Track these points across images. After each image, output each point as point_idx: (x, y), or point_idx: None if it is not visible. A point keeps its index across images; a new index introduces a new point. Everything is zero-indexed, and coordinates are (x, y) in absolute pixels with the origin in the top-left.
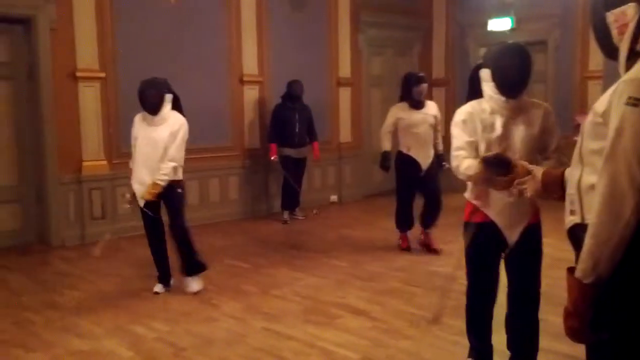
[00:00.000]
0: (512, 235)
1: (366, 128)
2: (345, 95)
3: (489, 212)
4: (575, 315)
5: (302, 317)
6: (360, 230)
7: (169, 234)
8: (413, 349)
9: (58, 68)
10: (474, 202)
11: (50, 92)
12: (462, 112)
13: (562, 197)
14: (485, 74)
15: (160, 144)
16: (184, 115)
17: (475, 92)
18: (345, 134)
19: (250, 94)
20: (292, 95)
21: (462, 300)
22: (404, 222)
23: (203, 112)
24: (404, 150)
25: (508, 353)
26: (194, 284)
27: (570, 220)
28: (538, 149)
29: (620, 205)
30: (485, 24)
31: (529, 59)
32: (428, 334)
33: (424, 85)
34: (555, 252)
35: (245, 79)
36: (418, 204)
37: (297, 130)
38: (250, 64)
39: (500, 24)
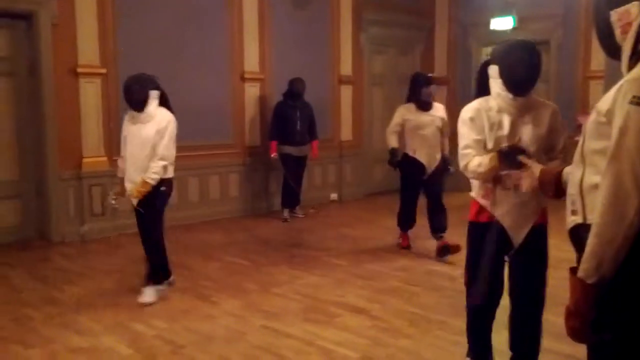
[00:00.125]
0: (518, 236)
1: (367, 126)
2: (346, 94)
3: (495, 212)
4: (577, 315)
5: (301, 315)
6: (360, 229)
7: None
8: (413, 348)
9: (59, 64)
10: (481, 201)
11: (51, 88)
12: (469, 110)
13: (554, 195)
14: (493, 70)
15: (147, 142)
16: (172, 112)
17: (483, 89)
18: (346, 132)
19: (252, 91)
20: (294, 93)
21: (461, 299)
22: (405, 221)
23: (204, 109)
24: (410, 153)
25: (509, 353)
26: (148, 294)
27: (572, 220)
28: (545, 149)
29: (624, 205)
30: (488, 24)
31: (538, 56)
32: (428, 333)
33: (433, 87)
34: (557, 252)
35: (246, 76)
36: (420, 204)
37: (298, 128)
38: (251, 61)
39: (502, 24)
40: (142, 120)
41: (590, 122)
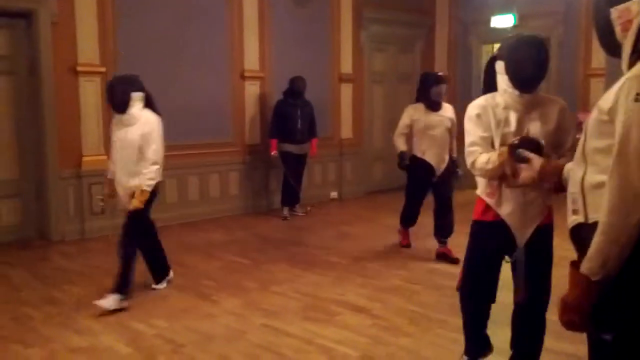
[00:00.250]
0: (522, 236)
1: (367, 125)
2: (346, 92)
3: (500, 211)
4: (576, 310)
5: (301, 314)
6: (360, 228)
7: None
8: (413, 347)
9: (59, 62)
10: (486, 199)
11: (51, 87)
12: (475, 106)
13: (555, 188)
14: (499, 66)
15: (133, 145)
16: (158, 114)
17: (490, 86)
18: (346, 131)
19: (252, 89)
20: (295, 91)
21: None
22: (408, 218)
23: (204, 108)
24: (419, 155)
25: (509, 351)
26: (111, 300)
27: (573, 219)
28: (553, 146)
29: (632, 205)
30: (488, 21)
31: (545, 52)
32: (428, 331)
33: (444, 86)
34: (558, 251)
35: (246, 74)
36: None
37: (299, 126)
38: (251, 59)
39: (503, 21)
40: (127, 122)
41: (591, 121)
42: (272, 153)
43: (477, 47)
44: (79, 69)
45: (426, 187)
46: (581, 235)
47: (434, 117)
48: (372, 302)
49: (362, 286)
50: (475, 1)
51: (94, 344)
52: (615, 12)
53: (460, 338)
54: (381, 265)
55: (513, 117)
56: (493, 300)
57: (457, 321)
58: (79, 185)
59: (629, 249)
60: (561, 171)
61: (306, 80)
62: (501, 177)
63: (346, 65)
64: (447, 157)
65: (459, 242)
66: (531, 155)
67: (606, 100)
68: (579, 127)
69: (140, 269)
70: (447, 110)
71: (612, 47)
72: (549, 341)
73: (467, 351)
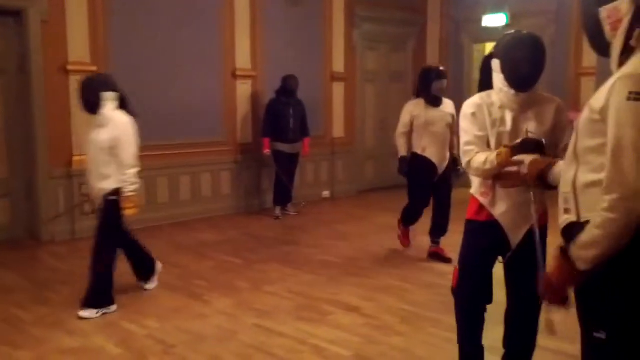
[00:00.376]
0: (516, 237)
1: (359, 123)
2: (339, 91)
3: (494, 211)
4: (559, 292)
5: (294, 313)
6: (353, 226)
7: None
8: (405, 346)
9: (49, 61)
10: (480, 199)
11: (41, 85)
12: (470, 105)
13: (536, 185)
14: (495, 65)
15: (102, 146)
16: (134, 115)
17: (486, 84)
18: (338, 129)
19: (243, 88)
20: (287, 90)
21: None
22: (410, 217)
23: (195, 107)
24: (419, 152)
25: (502, 350)
26: (87, 312)
27: (565, 219)
28: (550, 146)
29: (634, 201)
30: (480, 20)
31: (541, 50)
32: (420, 330)
33: (445, 81)
34: (549, 249)
35: (238, 73)
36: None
37: (291, 125)
38: (243, 58)
39: (495, 20)
40: (98, 123)
41: (582, 120)
42: (265, 152)
43: (468, 45)
44: (70, 67)
45: (429, 185)
46: (573, 234)
47: (434, 113)
48: (364, 302)
49: (354, 285)
50: (467, 0)
51: (84, 344)
52: (604, 12)
53: (453, 337)
54: (374, 264)
55: (509, 117)
56: (489, 301)
57: (450, 320)
58: (69, 184)
59: (623, 245)
60: (547, 169)
61: (298, 79)
62: (496, 177)
63: (338, 64)
64: (448, 155)
65: (452, 242)
66: (526, 157)
67: (597, 99)
68: (570, 125)
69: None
70: (448, 106)
71: (601, 47)
72: (543, 339)
73: (461, 354)
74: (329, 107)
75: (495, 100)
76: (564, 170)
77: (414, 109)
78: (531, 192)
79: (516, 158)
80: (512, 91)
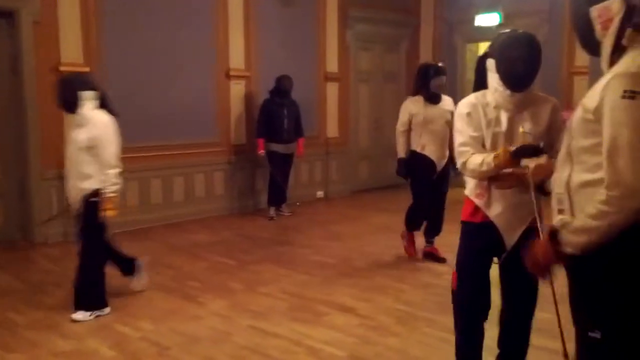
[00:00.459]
0: (511, 238)
1: (353, 123)
2: (332, 91)
3: (489, 213)
4: (543, 268)
5: (288, 314)
6: (347, 227)
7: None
8: (400, 346)
9: (41, 62)
10: (475, 200)
11: (33, 86)
12: (465, 104)
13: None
14: (490, 64)
15: (81, 147)
16: (114, 114)
17: (481, 84)
18: (332, 130)
19: (237, 89)
20: (281, 90)
21: (448, 296)
22: (414, 221)
23: (189, 107)
24: (418, 150)
25: (496, 349)
26: (80, 314)
27: (559, 219)
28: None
29: (630, 198)
30: (473, 20)
31: (537, 49)
32: (415, 330)
33: (444, 77)
34: None
35: (232, 73)
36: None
37: (285, 126)
38: (237, 58)
39: (488, 20)
40: (78, 123)
41: (576, 120)
42: (260, 152)
43: (462, 46)
44: (62, 68)
45: (429, 183)
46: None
47: (433, 110)
48: (359, 302)
49: (349, 286)
50: (460, 0)
51: (78, 347)
52: (595, 11)
53: (448, 337)
54: (368, 264)
55: (504, 117)
56: (488, 304)
57: (445, 319)
58: (62, 186)
59: (613, 238)
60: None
61: (292, 79)
62: (491, 178)
63: (332, 64)
64: (447, 153)
65: (446, 241)
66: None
67: (591, 99)
68: (563, 124)
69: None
70: (447, 103)
71: (591, 46)
72: (539, 339)
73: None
74: (322, 107)
75: (490, 100)
76: (557, 171)
77: (412, 107)
78: (532, 193)
79: (520, 163)
80: (508, 91)
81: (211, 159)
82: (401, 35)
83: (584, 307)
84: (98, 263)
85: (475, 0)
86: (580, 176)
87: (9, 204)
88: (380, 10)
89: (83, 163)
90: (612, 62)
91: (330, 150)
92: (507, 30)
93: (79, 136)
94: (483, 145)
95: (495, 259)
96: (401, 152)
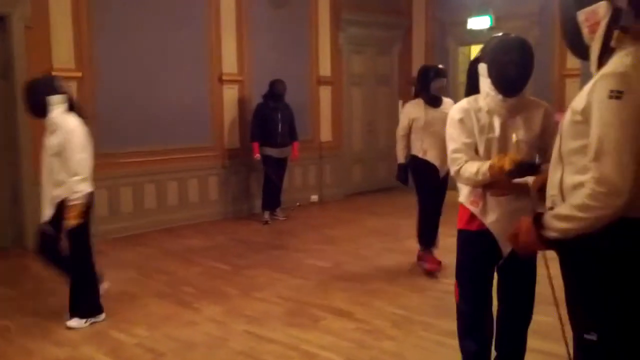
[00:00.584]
0: (508, 245)
1: (347, 127)
2: (325, 94)
3: (485, 220)
4: (523, 249)
5: (284, 319)
6: (341, 230)
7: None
8: (397, 350)
9: (33, 67)
10: (470, 208)
11: None
12: (457, 110)
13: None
14: (482, 69)
15: (52, 152)
16: (84, 118)
17: (473, 88)
18: (325, 133)
19: (230, 93)
20: (275, 94)
21: (444, 299)
22: (427, 234)
23: (182, 112)
24: (420, 155)
25: (494, 352)
26: (74, 321)
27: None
28: (538, 151)
29: (614, 196)
30: (465, 23)
31: (529, 54)
32: (411, 334)
33: (444, 80)
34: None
35: (224, 78)
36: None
37: (279, 130)
38: (229, 63)
39: (479, 23)
40: (49, 128)
41: (565, 122)
42: (256, 156)
43: (454, 48)
44: (54, 73)
45: (434, 188)
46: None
47: (434, 114)
48: (354, 306)
49: (344, 290)
50: (451, 3)
51: (73, 355)
52: (582, 15)
53: (444, 340)
54: (363, 268)
55: (497, 122)
56: (491, 313)
57: (441, 323)
58: None
59: (595, 231)
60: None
61: (286, 84)
62: (486, 186)
63: (325, 68)
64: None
65: (441, 244)
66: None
67: (579, 101)
68: (556, 127)
69: (121, 276)
70: (448, 106)
71: (580, 49)
72: (536, 342)
73: None
74: (316, 110)
75: (482, 105)
76: (550, 173)
77: (412, 111)
78: (537, 203)
79: (517, 181)
80: (500, 96)
81: (205, 163)
82: (393, 38)
83: (579, 309)
84: (87, 269)
85: (467, 2)
86: (572, 178)
87: (1, 209)
88: (372, 13)
89: (54, 169)
90: (601, 64)
91: (323, 154)
92: (499, 34)
93: (50, 142)
94: (476, 152)
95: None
96: (401, 158)
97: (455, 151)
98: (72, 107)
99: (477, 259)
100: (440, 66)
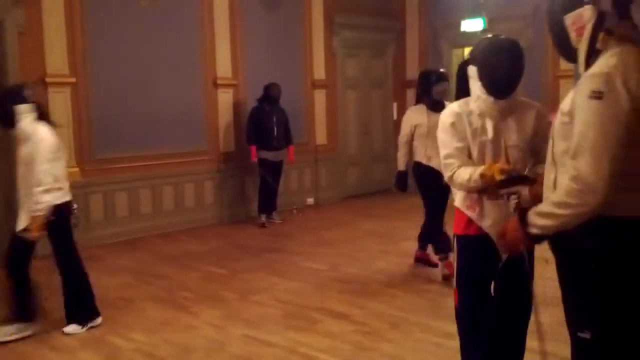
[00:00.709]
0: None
1: (342, 130)
2: (320, 98)
3: (482, 224)
4: (509, 247)
5: (282, 322)
6: (337, 233)
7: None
8: (395, 352)
9: (27, 73)
10: (467, 212)
11: None
12: (449, 114)
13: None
14: (472, 71)
15: (22, 162)
16: (54, 126)
17: (464, 91)
18: (321, 136)
19: (225, 97)
20: (270, 97)
21: (442, 301)
22: (444, 241)
23: (177, 117)
24: (424, 162)
25: None
26: (71, 327)
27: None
28: (531, 152)
29: (590, 194)
30: (459, 25)
31: (519, 55)
32: (410, 336)
33: (446, 84)
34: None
35: (219, 82)
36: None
37: (275, 133)
38: (224, 67)
39: (473, 25)
40: (20, 138)
41: (556, 124)
42: (254, 160)
43: (447, 51)
44: (48, 80)
45: (439, 194)
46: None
47: (437, 119)
48: (352, 308)
49: (342, 292)
50: (445, 5)
51: None
52: (569, 19)
53: (443, 341)
54: (361, 270)
55: (489, 125)
56: (492, 319)
57: (439, 324)
58: None
59: (572, 228)
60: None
61: (281, 87)
62: (481, 190)
63: (319, 71)
64: None
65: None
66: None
67: (566, 102)
68: (549, 126)
69: (118, 281)
70: None
71: (569, 52)
72: (531, 341)
73: None
74: (311, 114)
75: (474, 108)
76: (545, 175)
77: (414, 117)
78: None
79: (506, 191)
80: (491, 98)
81: (200, 167)
82: (387, 41)
83: (574, 308)
84: (77, 276)
85: (460, 5)
86: (565, 178)
87: None
88: (366, 16)
89: (26, 180)
90: (588, 66)
91: (319, 157)
92: (489, 36)
93: (21, 151)
94: (469, 156)
95: None
96: (401, 165)
97: (448, 157)
98: (41, 116)
99: (477, 264)
100: (442, 70)
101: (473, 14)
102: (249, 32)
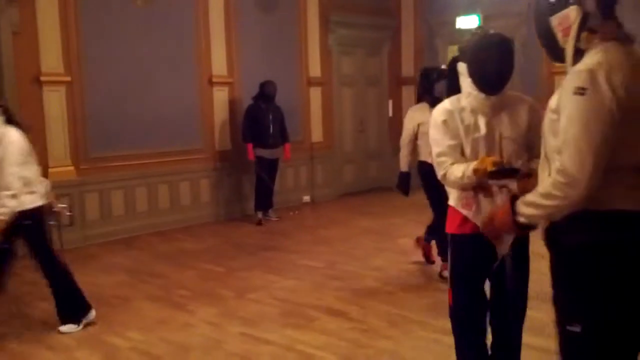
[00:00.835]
0: (503, 247)
1: (337, 127)
2: (316, 95)
3: (478, 222)
4: (496, 231)
5: (279, 320)
6: (334, 230)
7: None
8: (393, 349)
9: (22, 73)
10: (462, 211)
11: (14, 97)
12: (441, 112)
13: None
14: (462, 68)
15: None
16: (23, 129)
17: (455, 88)
18: (316, 134)
19: (220, 95)
20: (266, 95)
21: (439, 298)
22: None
23: (172, 115)
24: (429, 160)
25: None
26: (67, 326)
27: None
28: (526, 147)
29: (572, 187)
30: (454, 22)
31: (508, 51)
32: (408, 333)
33: None
34: (533, 246)
35: (214, 80)
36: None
37: (271, 131)
38: (219, 65)
39: (468, 22)
40: None
41: (545, 121)
42: (251, 158)
43: (443, 48)
44: (43, 78)
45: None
46: (554, 234)
47: None
48: (349, 306)
49: (339, 290)
50: (440, 3)
51: None
52: (555, 20)
53: (441, 338)
54: (358, 267)
55: (482, 121)
56: (486, 316)
57: (436, 321)
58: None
59: (564, 222)
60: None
61: (276, 85)
62: (477, 188)
63: (315, 69)
64: None
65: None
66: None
67: (554, 100)
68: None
69: (114, 279)
70: None
71: (556, 52)
72: (528, 337)
73: None
74: (306, 111)
75: (465, 105)
76: (539, 171)
77: (417, 116)
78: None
79: (497, 182)
80: (482, 94)
81: (196, 165)
82: (382, 38)
83: (565, 301)
84: (60, 276)
85: (455, 2)
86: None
87: None
88: (361, 14)
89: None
90: (575, 64)
91: (315, 154)
92: (477, 31)
93: None
94: (462, 153)
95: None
96: (404, 166)
97: (440, 155)
98: (9, 120)
99: (473, 263)
100: (443, 67)
101: (468, 11)
102: (244, 31)
